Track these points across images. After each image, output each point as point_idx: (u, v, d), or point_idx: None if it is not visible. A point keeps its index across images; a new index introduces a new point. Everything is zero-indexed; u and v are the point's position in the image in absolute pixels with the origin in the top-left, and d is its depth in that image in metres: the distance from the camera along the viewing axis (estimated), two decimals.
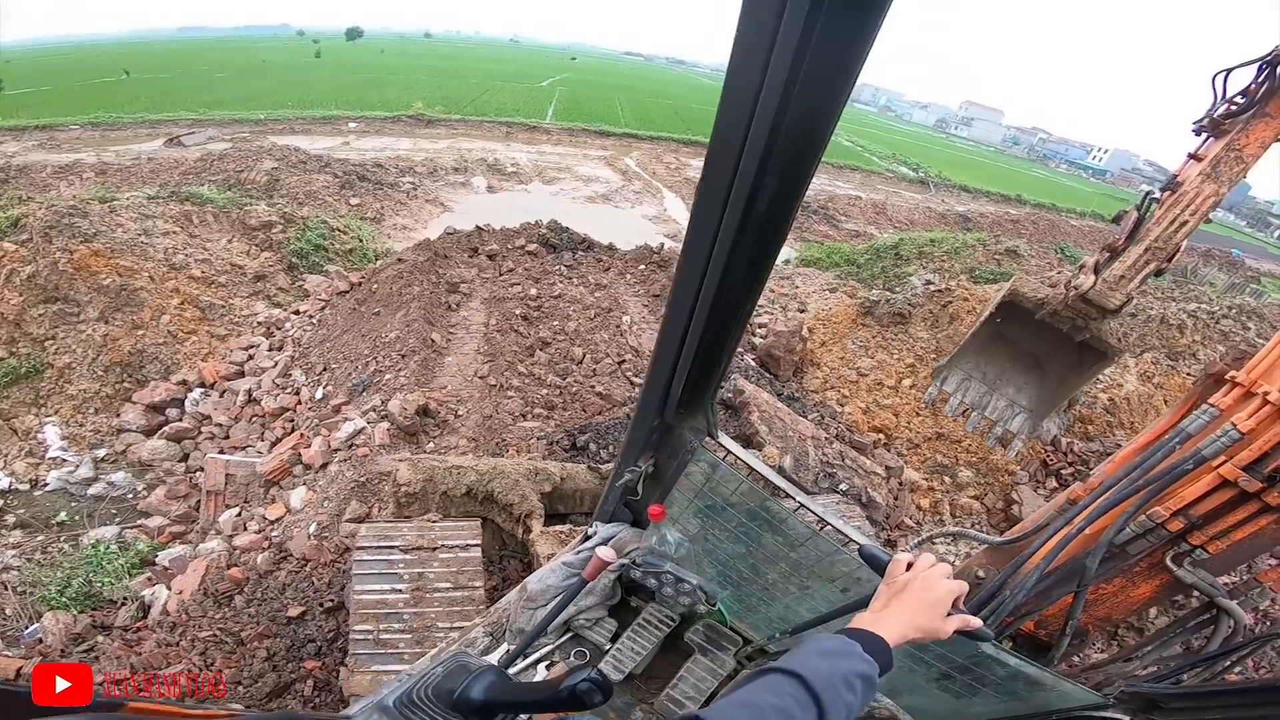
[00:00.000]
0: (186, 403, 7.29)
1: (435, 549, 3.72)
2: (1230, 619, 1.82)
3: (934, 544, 5.64)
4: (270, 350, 7.94)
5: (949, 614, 1.10)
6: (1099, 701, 1.54)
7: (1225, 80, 3.54)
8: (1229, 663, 1.80)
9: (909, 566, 1.16)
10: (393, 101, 31.59)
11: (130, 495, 6.31)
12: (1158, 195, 3.86)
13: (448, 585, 3.59)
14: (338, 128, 26.07)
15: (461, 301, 7.11)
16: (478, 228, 9.10)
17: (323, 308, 8.07)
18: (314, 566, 4.47)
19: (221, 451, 6.51)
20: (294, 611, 4.05)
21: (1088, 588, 1.89)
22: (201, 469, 6.12)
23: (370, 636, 3.33)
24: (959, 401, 5.77)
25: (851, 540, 1.66)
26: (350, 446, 5.31)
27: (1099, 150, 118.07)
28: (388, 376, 6.06)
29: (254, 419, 6.92)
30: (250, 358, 7.94)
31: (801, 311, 10.26)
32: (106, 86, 32.88)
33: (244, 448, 6.56)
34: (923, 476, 6.45)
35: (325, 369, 6.83)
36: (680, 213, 20.47)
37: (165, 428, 6.98)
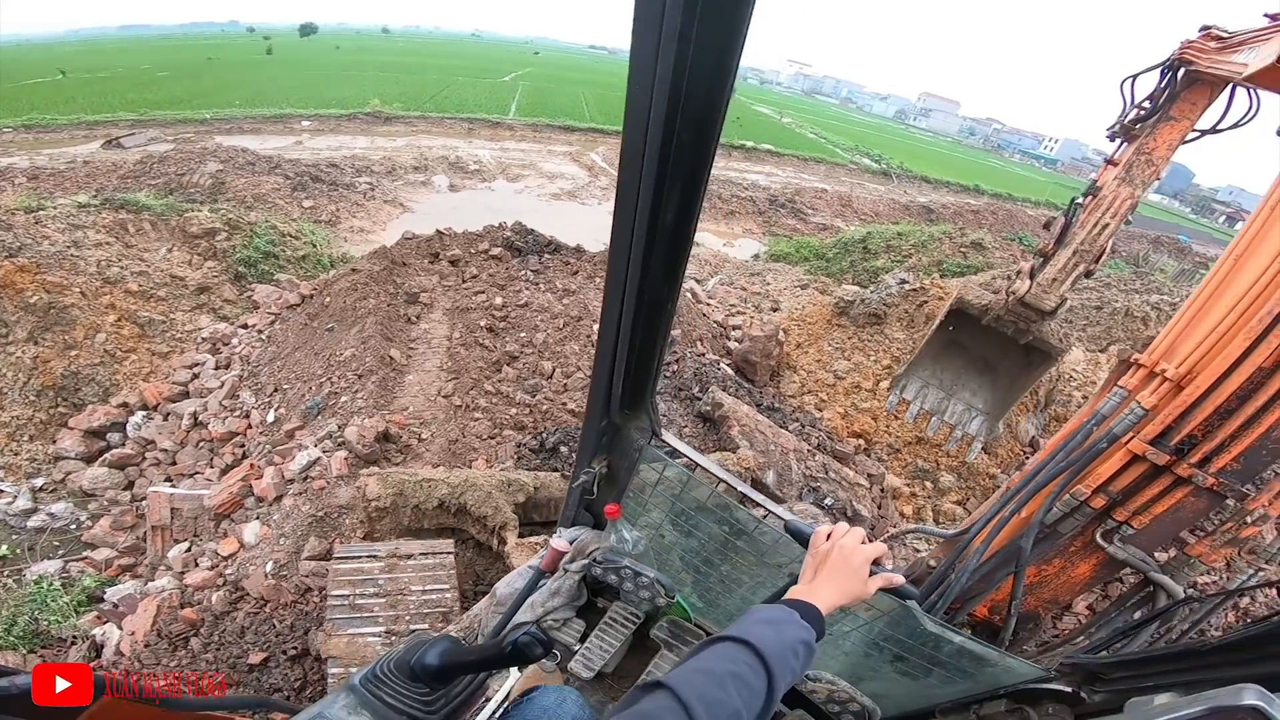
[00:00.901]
0: (128, 427, 6.78)
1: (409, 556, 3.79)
2: (1165, 593, 1.91)
3: (900, 542, 5.55)
4: (216, 369, 7.43)
5: (872, 574, 1.19)
6: (1041, 674, 1.61)
7: (1133, 86, 3.80)
8: (1158, 630, 1.89)
9: (829, 537, 1.23)
10: (348, 99, 30.48)
11: (74, 526, 5.87)
12: (1081, 201, 4.17)
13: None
14: (289, 126, 25.04)
15: (422, 313, 6.71)
16: (438, 232, 8.67)
17: (272, 322, 7.56)
18: (274, 608, 4.20)
19: (168, 480, 6.07)
20: (256, 658, 3.77)
21: (1025, 567, 2.00)
22: (146, 498, 5.74)
23: (346, 602, 3.45)
24: (918, 408, 5.61)
25: (780, 518, 1.73)
26: (305, 479, 4.92)
27: (1050, 140, 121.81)
28: (344, 399, 5.66)
29: (201, 444, 6.47)
30: (195, 376, 7.42)
31: (775, 311, 10.10)
32: (41, 88, 30.91)
33: (192, 474, 6.13)
34: (904, 482, 6.35)
35: (276, 390, 6.39)
36: None
37: (106, 454, 6.49)
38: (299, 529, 4.53)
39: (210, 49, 57.02)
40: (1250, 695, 0.95)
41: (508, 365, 5.99)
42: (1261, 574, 2.08)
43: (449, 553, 3.82)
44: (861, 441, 6.69)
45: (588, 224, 17.04)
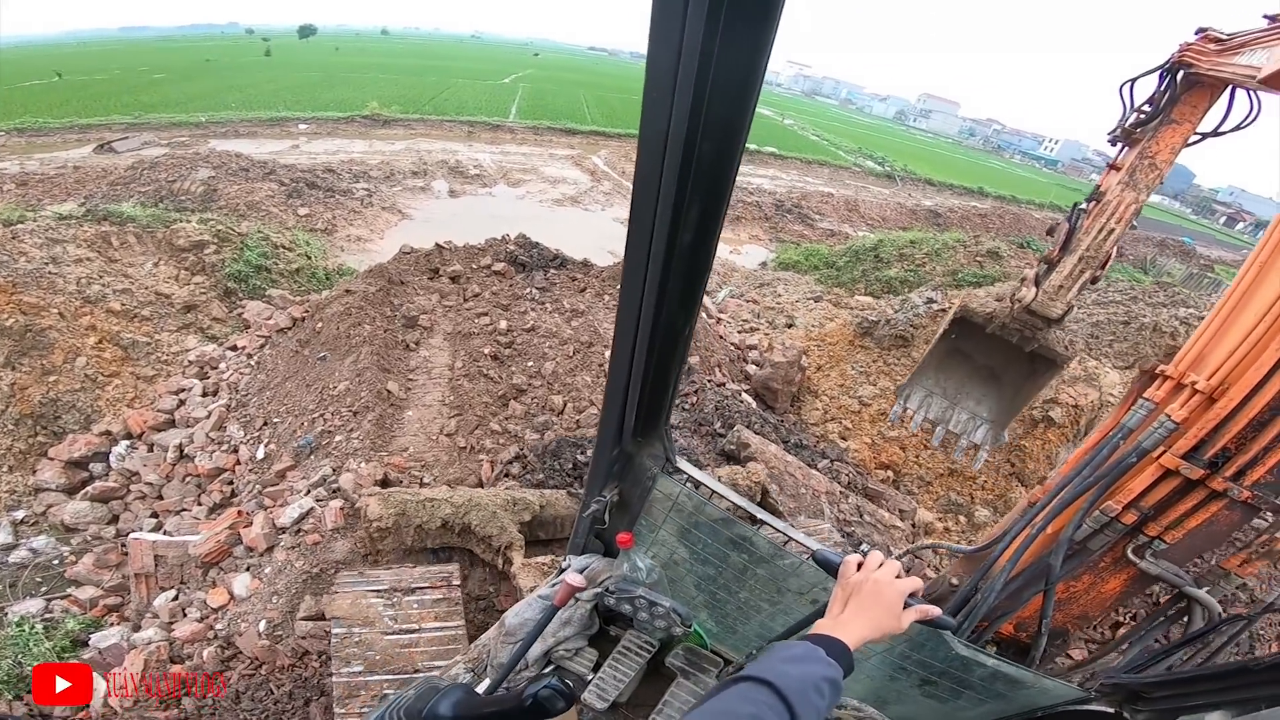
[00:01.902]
0: (111, 458, 6.36)
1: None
2: (1202, 608, 1.86)
3: (915, 558, 5.26)
4: (204, 396, 6.99)
5: (906, 606, 1.13)
6: (1081, 695, 1.54)
7: (1132, 90, 3.76)
8: (1201, 648, 1.83)
9: (859, 567, 1.19)
10: (347, 101, 30.04)
11: (57, 562, 5.52)
12: (1085, 207, 4.13)
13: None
14: (286, 130, 24.58)
15: (421, 338, 6.27)
16: (438, 246, 8.24)
17: (262, 345, 7.13)
18: (270, 670, 3.94)
19: (154, 515, 5.68)
20: None
21: (1055, 585, 1.96)
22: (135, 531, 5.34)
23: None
24: (923, 417, 5.59)
25: (806, 548, 1.66)
26: (298, 531, 4.53)
27: (1050, 141, 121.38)
28: (338, 438, 5.22)
29: (188, 479, 6.06)
30: (181, 403, 6.98)
31: (790, 326, 9.67)
32: (36, 90, 30.40)
33: (178, 511, 5.73)
34: (936, 516, 5.92)
35: (265, 423, 5.96)
36: None
37: (89, 486, 6.08)
38: (293, 586, 4.18)
39: (208, 51, 56.53)
40: None
41: (515, 400, 5.55)
42: None
43: (455, 584, 3.73)
44: (890, 473, 6.27)
45: (592, 231, 16.62)
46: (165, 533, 5.17)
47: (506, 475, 5.11)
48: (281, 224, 13.19)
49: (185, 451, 6.23)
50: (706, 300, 10.10)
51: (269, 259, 10.04)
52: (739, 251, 18.35)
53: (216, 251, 9.59)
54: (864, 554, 1.22)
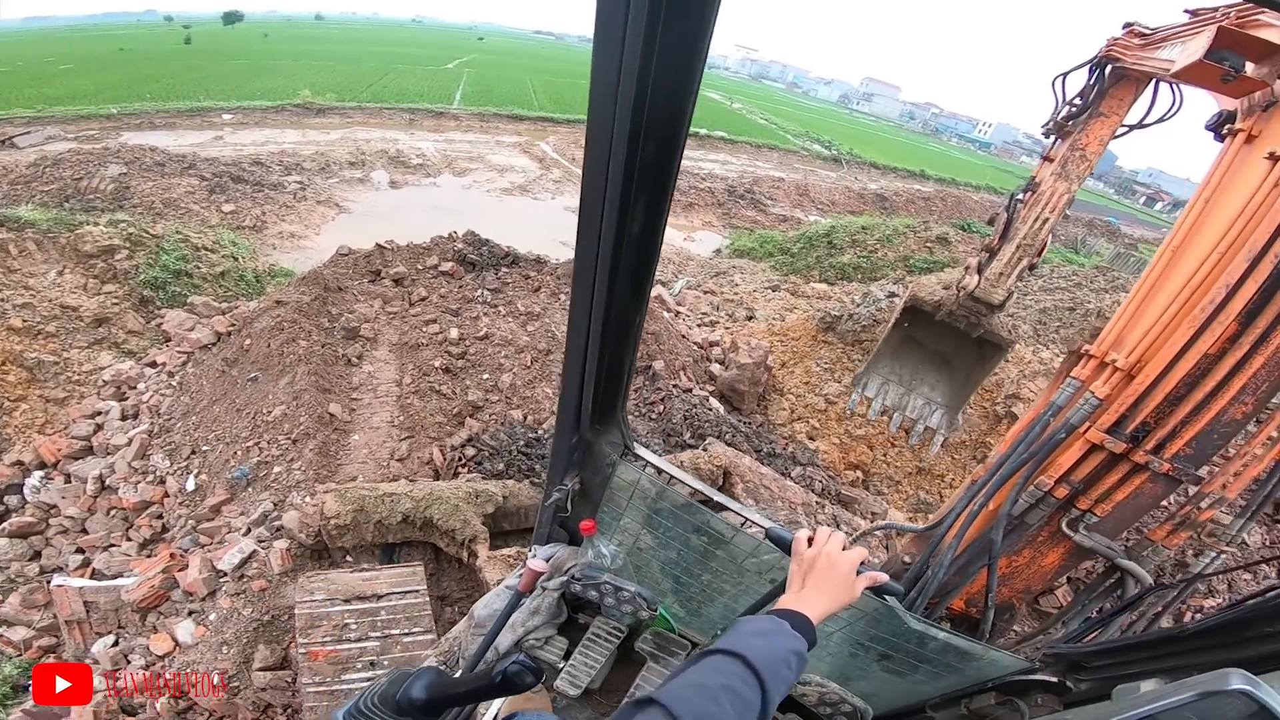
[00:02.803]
0: (25, 490, 5.75)
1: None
2: (1133, 579, 1.95)
3: (868, 540, 5.31)
4: (123, 420, 6.32)
5: (857, 575, 1.19)
6: (1026, 666, 1.62)
7: (1064, 84, 3.95)
8: (1138, 618, 1.93)
9: (810, 542, 1.24)
10: (276, 90, 28.24)
11: None
12: (1021, 197, 4.36)
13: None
14: (209, 120, 22.95)
15: (364, 352, 5.78)
16: (379, 246, 7.69)
17: (184, 363, 6.48)
18: None
19: (80, 551, 5.12)
20: None
21: (998, 559, 2.05)
22: (61, 568, 4.89)
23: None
24: (880, 405, 5.97)
25: (760, 526, 1.69)
26: (241, 577, 4.13)
27: (984, 124, 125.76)
28: (277, 469, 4.75)
29: (112, 512, 5.48)
30: (98, 428, 6.30)
31: (750, 319, 9.53)
32: None
33: (106, 548, 5.20)
34: (907, 516, 5.87)
35: (194, 452, 5.40)
36: None
37: (4, 522, 5.51)
38: (243, 635, 3.87)
39: (122, 40, 52.19)
40: (1236, 680, 0.95)
41: (471, 417, 5.16)
42: (1223, 558, 2.01)
43: (421, 590, 3.65)
44: (859, 473, 6.19)
45: (543, 221, 16.11)
46: (95, 571, 4.73)
47: (462, 464, 4.88)
48: (204, 223, 12.22)
49: (107, 483, 5.64)
50: (664, 293, 9.85)
51: (189, 262, 9.22)
52: (692, 238, 18.16)
53: (129, 257, 8.73)
54: (814, 529, 1.27)
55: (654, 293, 9.75)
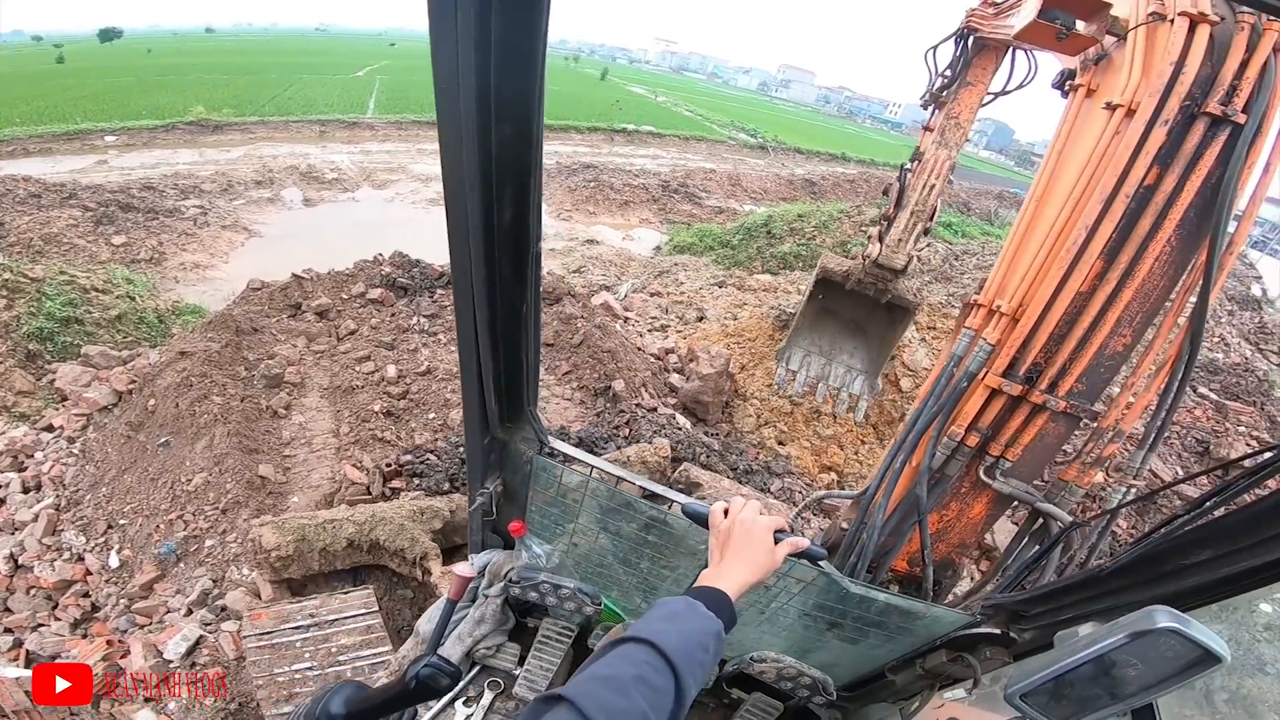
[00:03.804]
0: None
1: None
2: (1055, 521, 1.99)
3: (813, 512, 5.34)
4: (25, 493, 5.55)
5: (777, 543, 1.18)
6: (969, 620, 1.63)
7: (934, 56, 4.13)
8: (1062, 560, 1.92)
9: (726, 513, 1.22)
10: (165, 107, 25.96)
11: None
12: (909, 166, 4.57)
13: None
14: (89, 144, 20.82)
15: (292, 400, 5.16)
16: (296, 277, 7.02)
17: (84, 426, 5.67)
18: None
19: (8, 631, 4.51)
20: None
21: (927, 515, 2.09)
22: None
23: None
24: (805, 376, 6.11)
25: (676, 503, 1.70)
26: (193, 665, 3.74)
27: (894, 105, 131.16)
28: (210, 543, 4.18)
29: (33, 591, 4.87)
30: (0, 503, 5.53)
31: (700, 320, 9.33)
32: None
33: (35, 627, 4.62)
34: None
35: (110, 526, 4.77)
36: None
37: None
38: None
39: None
40: (1163, 618, 0.97)
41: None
42: (1133, 489, 2.03)
43: (374, 613, 3.57)
44: (834, 475, 6.07)
45: None
46: (30, 654, 4.29)
47: (398, 475, 4.64)
48: (92, 259, 10.98)
49: (20, 561, 5.02)
50: (611, 300, 9.52)
51: (78, 307, 8.15)
52: (631, 237, 17.87)
53: (7, 307, 7.63)
54: (726, 501, 1.25)
55: (600, 300, 9.43)
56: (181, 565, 4.48)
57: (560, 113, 34.88)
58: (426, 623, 2.05)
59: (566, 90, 48.60)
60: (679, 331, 8.92)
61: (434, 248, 10.01)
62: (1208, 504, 1.18)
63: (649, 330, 9.11)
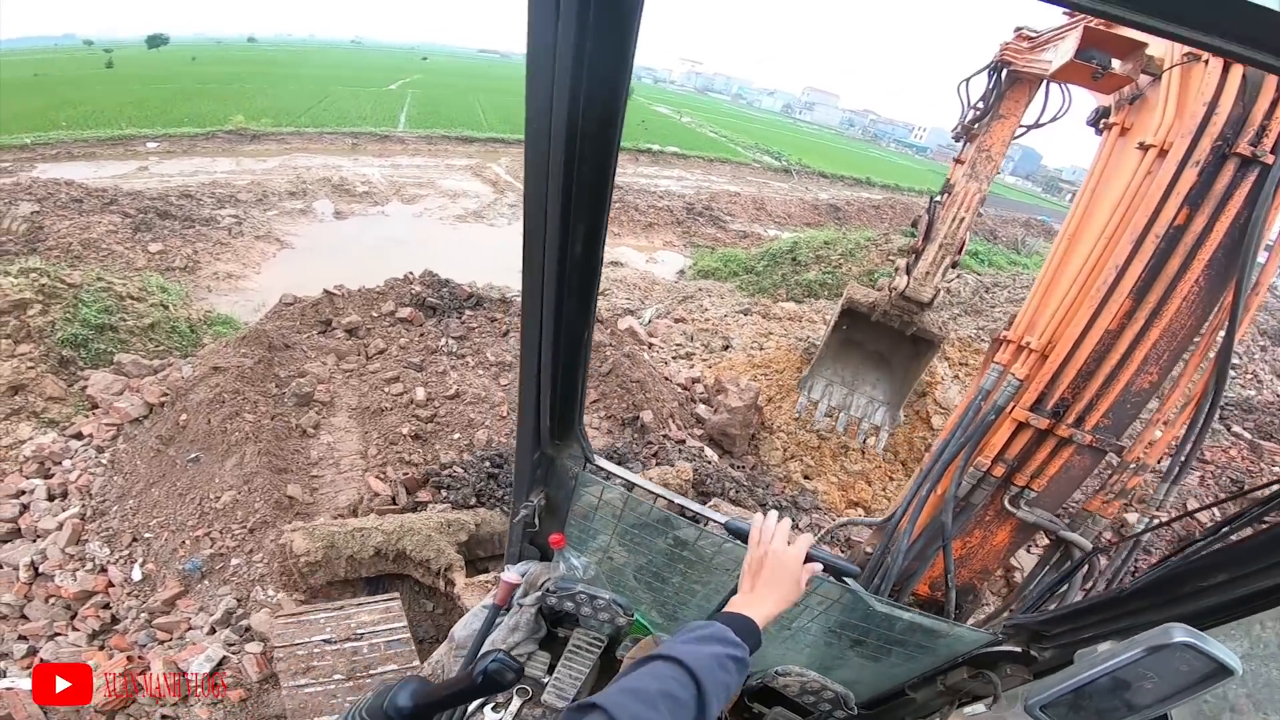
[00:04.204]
0: None
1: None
2: (1077, 549, 2.03)
3: (835, 537, 5.45)
4: (50, 500, 5.62)
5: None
6: (990, 639, 1.67)
7: (967, 88, 4.09)
8: (1084, 585, 2.00)
9: (760, 539, 1.28)
10: (206, 115, 26.75)
11: None
12: (939, 198, 4.53)
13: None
14: (132, 149, 21.47)
15: (321, 420, 5.18)
16: (328, 293, 7.09)
17: (114, 436, 5.73)
18: None
19: (24, 639, 4.52)
20: None
21: (951, 541, 2.13)
22: (6, 655, 4.37)
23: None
24: (826, 406, 6.10)
25: (715, 522, 1.78)
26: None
27: (920, 129, 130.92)
28: (235, 561, 4.18)
29: (52, 600, 4.90)
30: (24, 509, 5.58)
31: (726, 349, 9.25)
32: None
33: (52, 636, 4.62)
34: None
35: (135, 539, 4.79)
36: None
37: None
38: None
39: (39, 64, 48.82)
40: (1179, 634, 1.01)
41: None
42: (1155, 519, 2.08)
43: (401, 621, 3.60)
44: (861, 511, 5.95)
45: (500, 248, 15.55)
46: (44, 663, 4.22)
47: (422, 486, 4.71)
48: (128, 265, 11.22)
49: (40, 569, 5.06)
50: (636, 325, 9.49)
51: (113, 315, 8.31)
52: (655, 260, 17.89)
53: (43, 312, 7.79)
54: (765, 515, 1.30)
55: (625, 325, 9.41)
56: (206, 582, 4.47)
57: None
58: (462, 629, 2.10)
59: None
60: (704, 360, 8.84)
61: (461, 266, 10.10)
62: (1224, 529, 1.25)
63: (673, 357, 9.05)
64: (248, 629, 4.09)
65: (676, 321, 10.72)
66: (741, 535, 1.40)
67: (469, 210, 18.71)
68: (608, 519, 1.89)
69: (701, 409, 6.62)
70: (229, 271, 12.36)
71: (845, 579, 1.52)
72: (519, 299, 6.83)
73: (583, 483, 1.81)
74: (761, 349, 8.73)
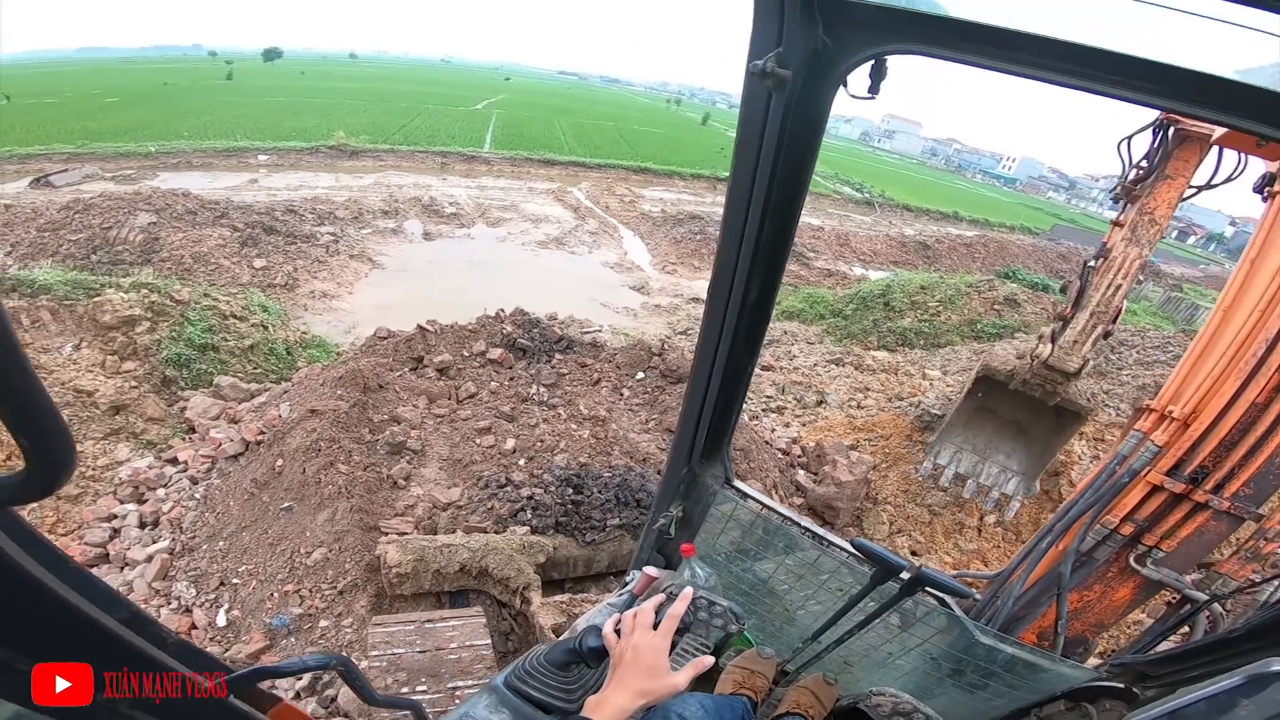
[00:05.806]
0: None
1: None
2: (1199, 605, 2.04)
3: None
4: (141, 528, 5.62)
5: (682, 667, 1.15)
6: (1094, 675, 1.68)
7: (1129, 147, 3.87)
8: (1200, 636, 1.99)
9: (618, 631, 1.20)
10: (311, 130, 28.41)
11: None
12: (1093, 264, 4.32)
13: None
14: (244, 161, 22.92)
15: (412, 470, 4.95)
16: (421, 329, 6.97)
17: (209, 469, 5.71)
18: None
19: None
20: None
21: (1067, 591, 2.20)
22: None
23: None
24: (953, 472, 5.85)
25: (838, 546, 1.89)
26: None
27: (1008, 159, 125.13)
28: (324, 623, 3.97)
29: None
30: (115, 534, 5.61)
31: (820, 404, 8.61)
32: None
33: None
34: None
35: (222, 583, 4.68)
36: (642, 256, 18.65)
37: None
38: None
39: (168, 73, 53.85)
40: (1278, 664, 1.02)
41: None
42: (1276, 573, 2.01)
43: (485, 643, 3.68)
44: (976, 592, 5.23)
45: (581, 279, 15.42)
46: None
47: (514, 517, 4.84)
48: (233, 280, 11.68)
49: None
50: None
51: (216, 334, 8.53)
52: None
53: (150, 329, 8.05)
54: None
55: None
56: (292, 639, 4.26)
57: (664, 157, 35.35)
58: (584, 622, 2.14)
59: (670, 134, 49.47)
60: (798, 416, 8.24)
61: (544, 294, 9.85)
62: None
63: (763, 410, 8.49)
64: (333, 699, 3.81)
65: (764, 369, 10.14)
66: (872, 556, 1.49)
67: (550, 236, 18.78)
68: (735, 535, 2.03)
69: (801, 475, 6.05)
70: (324, 290, 12.70)
71: (948, 602, 1.56)
72: (609, 343, 6.48)
73: (720, 500, 1.95)
74: (860, 406, 8.06)
